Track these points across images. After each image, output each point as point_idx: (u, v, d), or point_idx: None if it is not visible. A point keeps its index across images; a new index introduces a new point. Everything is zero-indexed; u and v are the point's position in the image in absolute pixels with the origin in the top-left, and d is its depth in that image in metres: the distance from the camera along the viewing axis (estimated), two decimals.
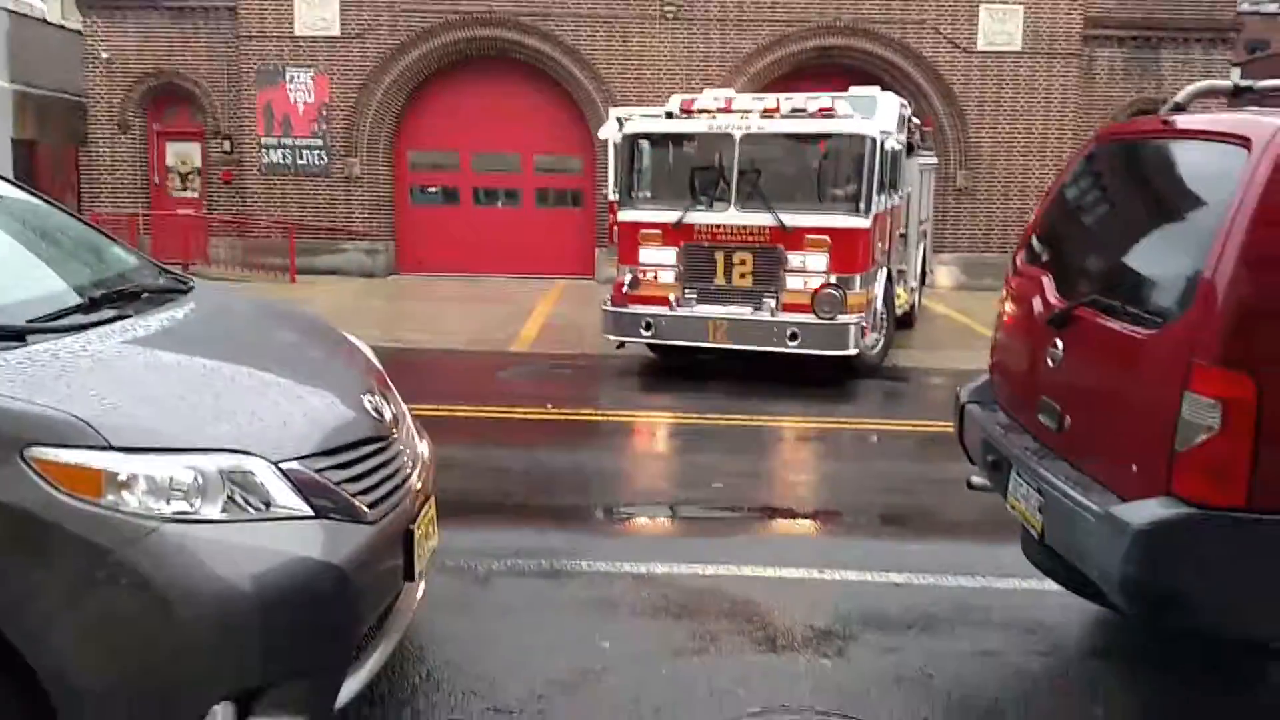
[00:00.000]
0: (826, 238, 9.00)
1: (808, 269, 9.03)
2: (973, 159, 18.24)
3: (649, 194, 9.86)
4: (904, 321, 11.98)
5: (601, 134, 10.75)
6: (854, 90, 11.15)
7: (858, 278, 9.13)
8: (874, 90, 11.14)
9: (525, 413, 8.17)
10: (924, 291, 13.80)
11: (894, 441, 7.88)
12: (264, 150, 17.99)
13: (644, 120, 10.10)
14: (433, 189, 18.73)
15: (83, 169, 19.26)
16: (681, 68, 17.64)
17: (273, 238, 17.78)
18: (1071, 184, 3.75)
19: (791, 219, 9.04)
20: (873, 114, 10.03)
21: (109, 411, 2.28)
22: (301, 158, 18.03)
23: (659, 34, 17.79)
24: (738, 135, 9.27)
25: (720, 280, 9.23)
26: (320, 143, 17.97)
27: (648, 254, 9.49)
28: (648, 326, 9.32)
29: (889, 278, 10.40)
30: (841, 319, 8.86)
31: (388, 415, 3.05)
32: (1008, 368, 3.80)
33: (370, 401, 2.99)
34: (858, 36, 17.95)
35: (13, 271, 3.11)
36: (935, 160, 13.74)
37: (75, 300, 2.89)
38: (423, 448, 3.31)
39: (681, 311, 9.24)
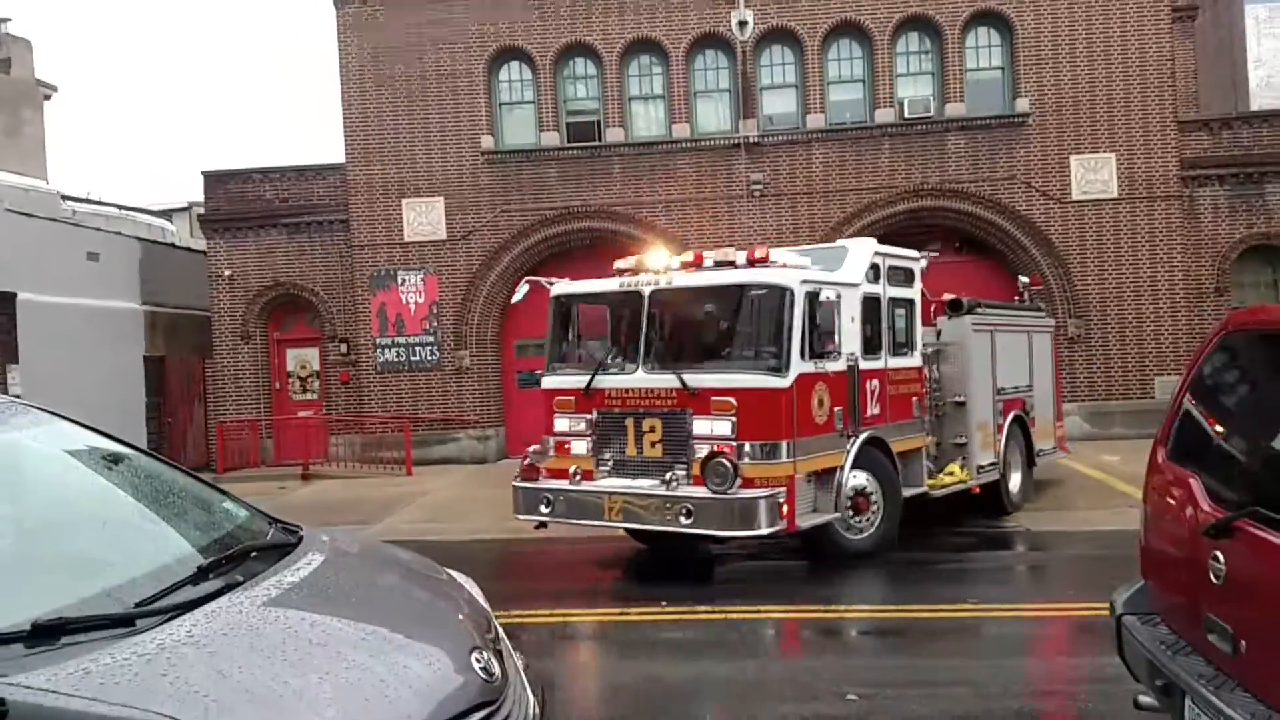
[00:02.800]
0: (733, 400, 8.24)
1: (714, 435, 8.27)
2: (1081, 307, 17.83)
3: (570, 359, 9.60)
4: (981, 502, 10.86)
5: (514, 299, 10.68)
6: (842, 242, 11.04)
7: (783, 445, 8.20)
8: (849, 241, 10.76)
9: (616, 613, 7.89)
10: (1053, 456, 12.82)
11: (1039, 628, 7.28)
12: (379, 349, 18.74)
13: (564, 283, 9.88)
14: (538, 373, 19.10)
15: (209, 379, 20.29)
16: (773, 240, 17.90)
17: (389, 432, 18.26)
18: (1210, 376, 3.48)
19: (697, 380, 8.39)
20: (838, 265, 9.48)
21: (213, 714, 2.20)
22: (414, 354, 18.72)
23: (747, 210, 18.18)
24: (646, 292, 8.89)
25: (631, 450, 8.66)
26: (432, 338, 18.66)
27: (562, 423, 9.12)
28: (547, 504, 8.86)
29: (890, 451, 9.37)
30: (744, 493, 7.95)
31: (497, 672, 2.91)
32: (1164, 576, 3.46)
33: (479, 659, 2.86)
34: (947, 197, 18.04)
35: (121, 541, 3.13)
36: (1048, 320, 13.11)
37: (184, 572, 2.86)
38: (532, 707, 3.13)
39: (578, 487, 8.71)
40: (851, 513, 8.99)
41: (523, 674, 3.27)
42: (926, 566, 9.08)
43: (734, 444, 8.13)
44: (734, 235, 18.05)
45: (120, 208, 28.34)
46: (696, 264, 9.05)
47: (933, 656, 6.55)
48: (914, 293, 10.27)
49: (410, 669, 2.66)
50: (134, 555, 3.01)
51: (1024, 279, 13.80)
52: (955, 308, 10.97)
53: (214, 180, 19.78)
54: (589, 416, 8.91)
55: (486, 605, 3.57)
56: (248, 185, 19.66)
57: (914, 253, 10.54)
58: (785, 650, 7.21)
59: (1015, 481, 11.53)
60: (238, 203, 19.57)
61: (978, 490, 10.63)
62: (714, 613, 7.63)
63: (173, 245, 24.09)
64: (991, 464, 10.92)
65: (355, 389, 19.03)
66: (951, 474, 10.41)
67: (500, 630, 3.40)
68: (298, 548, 3.30)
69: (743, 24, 17.42)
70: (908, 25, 18.13)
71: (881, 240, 18.03)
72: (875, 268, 9.71)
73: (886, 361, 9.59)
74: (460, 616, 3.19)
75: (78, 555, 2.99)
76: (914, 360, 10.11)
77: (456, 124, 18.63)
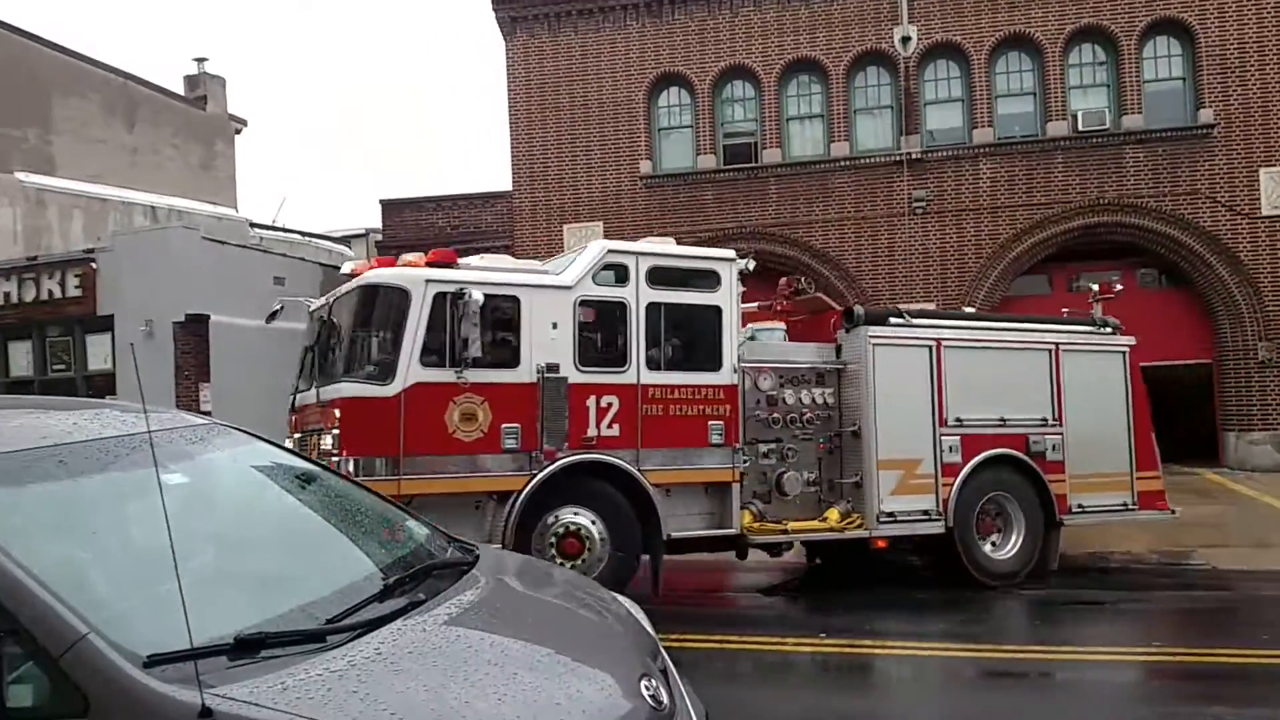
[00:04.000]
0: (337, 412, 7.61)
1: (326, 451, 7.65)
2: (1273, 329, 16.59)
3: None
4: (941, 563, 9.47)
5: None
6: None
7: (379, 461, 7.42)
8: (596, 241, 9.03)
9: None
10: (1235, 476, 11.55)
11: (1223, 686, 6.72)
12: None
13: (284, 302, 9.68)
14: None
15: None
16: (935, 258, 17.43)
17: None
18: None
19: (326, 391, 7.95)
20: (569, 266, 8.47)
21: None
22: None
23: (908, 229, 17.77)
24: (312, 307, 8.62)
25: None
26: None
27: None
28: None
29: (638, 483, 8.09)
30: None
31: (665, 700, 2.91)
32: None
33: (648, 686, 2.86)
34: (1125, 212, 17.17)
35: (312, 558, 3.29)
36: (1115, 340, 10.23)
37: (370, 589, 2.98)
38: None
39: None
40: (555, 554, 7.82)
41: (689, 702, 3.26)
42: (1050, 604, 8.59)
43: (336, 459, 7.43)
44: (894, 254, 17.69)
45: (303, 234, 30.10)
46: (354, 275, 8.38)
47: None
48: (719, 298, 8.74)
49: (583, 694, 2.69)
50: (324, 572, 3.16)
51: (1093, 286, 11.31)
52: (849, 318, 9.39)
53: (391, 208, 20.78)
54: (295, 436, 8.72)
55: (652, 630, 3.59)
56: (421, 213, 20.57)
57: (720, 251, 9.16)
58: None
59: (1009, 543, 9.48)
60: (412, 229, 20.49)
61: (882, 544, 9.16)
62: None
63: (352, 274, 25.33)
64: (923, 513, 9.18)
65: None
66: (826, 520, 8.98)
67: (667, 657, 3.40)
68: (475, 566, 3.39)
69: (906, 40, 17.10)
70: (1080, 36, 17.40)
71: (1056, 258, 16.98)
72: (618, 268, 8.50)
73: (640, 376, 8.32)
74: (628, 641, 3.21)
75: (273, 571, 3.16)
76: (718, 377, 8.64)
77: (616, 150, 18.97)
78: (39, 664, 2.31)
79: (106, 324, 16.82)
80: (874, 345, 9.19)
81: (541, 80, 19.26)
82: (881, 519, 9.00)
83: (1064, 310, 11.03)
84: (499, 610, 3.13)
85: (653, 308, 8.49)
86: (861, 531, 8.93)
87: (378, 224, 22.20)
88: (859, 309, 9.47)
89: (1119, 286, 11.09)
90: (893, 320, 9.51)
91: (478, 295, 7.64)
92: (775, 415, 9.07)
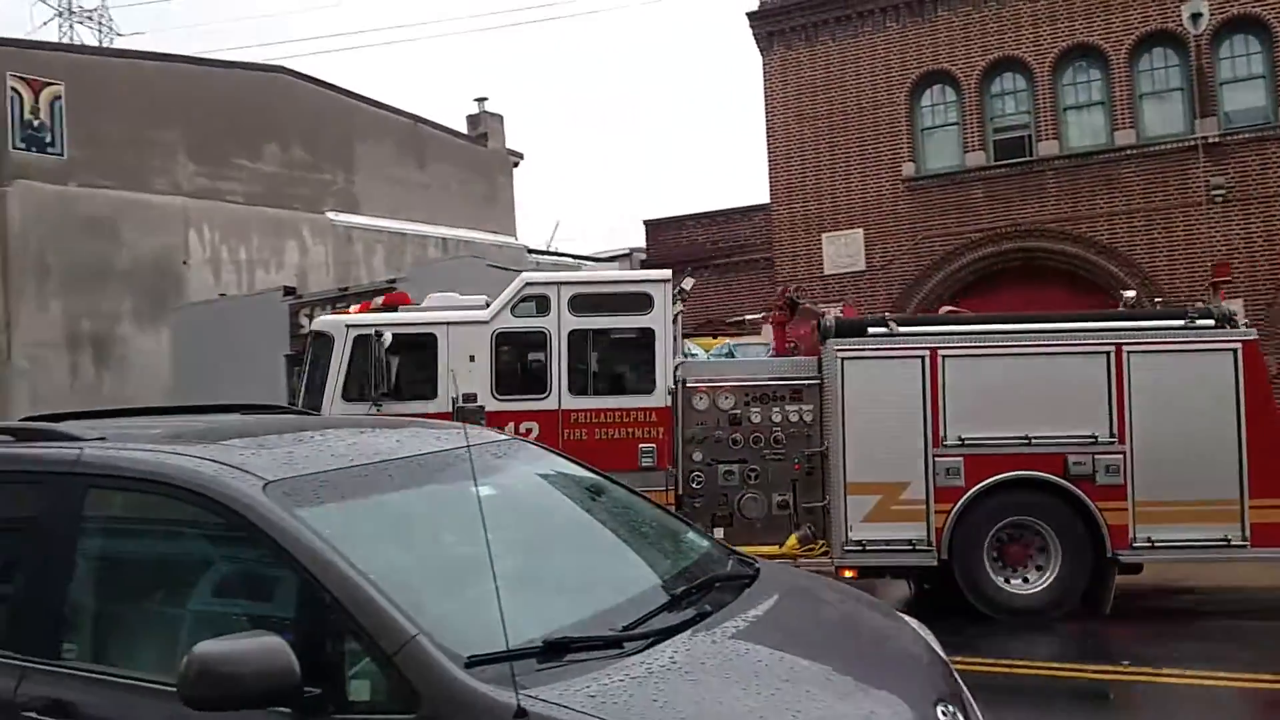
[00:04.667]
0: None
1: None
2: None
3: None
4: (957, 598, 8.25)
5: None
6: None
7: None
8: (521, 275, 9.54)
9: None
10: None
11: None
12: None
13: None
14: None
15: None
16: (1238, 251, 15.78)
17: None
18: None
19: None
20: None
21: None
22: None
23: (1206, 219, 16.19)
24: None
25: None
26: None
27: None
28: None
29: None
30: None
31: None
32: None
33: (945, 712, 2.78)
34: None
35: (605, 566, 3.44)
36: (1214, 337, 8.42)
37: (660, 599, 3.08)
38: None
39: None
40: None
41: None
42: None
43: None
44: (1190, 247, 16.17)
45: (574, 257, 31.61)
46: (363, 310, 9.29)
47: None
48: (651, 320, 8.70)
49: (876, 715, 2.65)
50: (615, 580, 3.30)
51: (1129, 294, 9.80)
52: (823, 332, 8.77)
53: (653, 227, 21.41)
54: None
55: (943, 652, 3.47)
56: (683, 230, 21.04)
57: (652, 274, 9.07)
58: None
59: (1044, 577, 8.28)
60: (673, 247, 21.01)
61: (852, 574, 8.32)
62: None
63: None
64: (907, 543, 8.27)
65: None
66: (781, 546, 8.36)
67: (961, 681, 3.28)
68: (757, 581, 3.42)
69: (1196, 17, 15.63)
70: None
71: None
72: (538, 299, 8.85)
73: (562, 402, 8.53)
74: (922, 664, 3.13)
75: (569, 579, 3.34)
76: (651, 399, 8.62)
77: (877, 154, 18.58)
78: (375, 661, 2.56)
79: None
80: (842, 359, 8.54)
81: (799, 90, 19.21)
82: (849, 548, 8.28)
83: (1152, 302, 9.19)
84: (786, 625, 3.14)
85: (576, 335, 8.75)
86: (824, 560, 8.26)
87: (643, 243, 22.94)
88: (828, 320, 8.86)
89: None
90: (872, 331, 8.76)
91: (386, 336, 8.53)
92: (738, 435, 8.73)
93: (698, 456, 8.81)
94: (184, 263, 25.12)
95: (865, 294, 18.56)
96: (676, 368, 8.91)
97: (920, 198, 18.25)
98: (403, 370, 8.96)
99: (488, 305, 9.21)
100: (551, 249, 33.09)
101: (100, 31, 36.59)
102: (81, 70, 24.34)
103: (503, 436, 4.01)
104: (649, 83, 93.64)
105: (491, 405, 8.48)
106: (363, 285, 21.90)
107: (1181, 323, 8.55)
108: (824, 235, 18.95)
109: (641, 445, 8.65)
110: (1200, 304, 8.67)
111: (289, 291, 20.34)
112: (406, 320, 9.08)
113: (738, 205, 20.77)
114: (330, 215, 28.55)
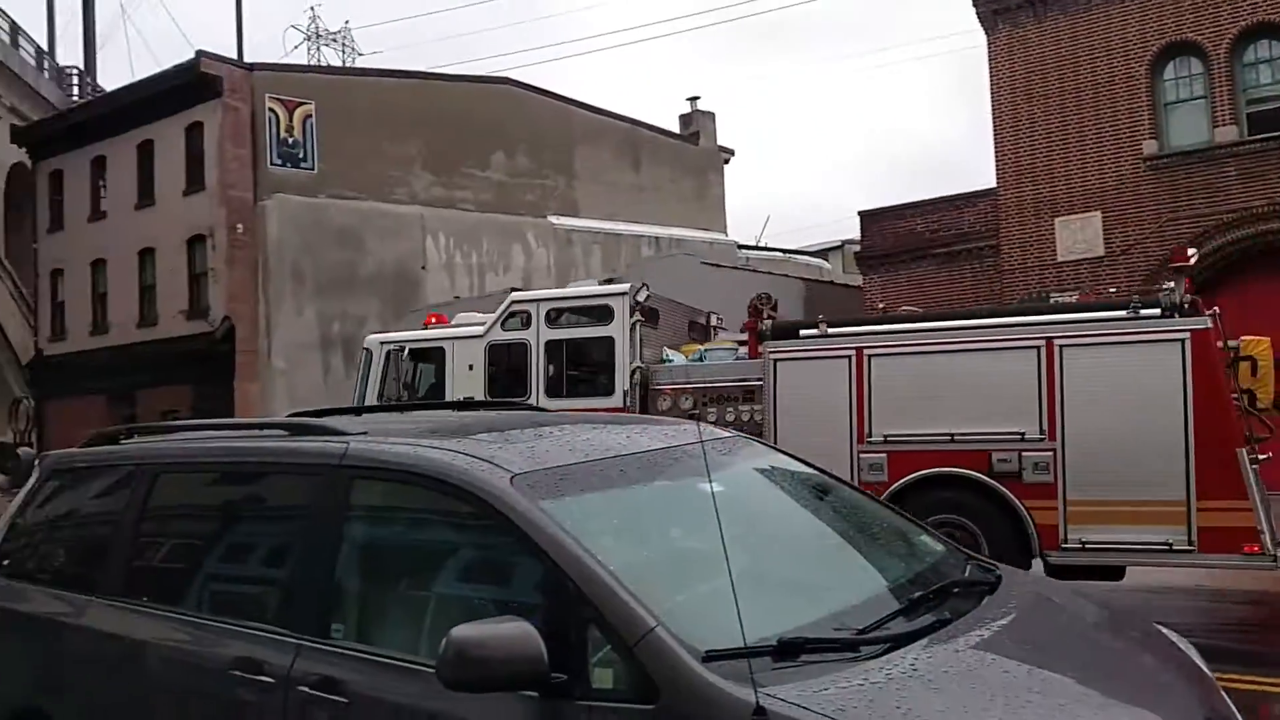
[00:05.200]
0: None
1: None
2: None
3: None
4: None
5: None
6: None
7: None
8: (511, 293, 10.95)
9: None
10: None
11: None
12: None
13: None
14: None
15: None
16: None
17: None
18: None
19: None
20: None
21: None
22: None
23: None
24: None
25: None
26: None
27: None
28: None
29: None
30: None
31: None
32: None
33: None
34: None
35: (835, 568, 3.39)
36: (1131, 326, 7.88)
37: (895, 603, 3.01)
38: None
39: None
40: None
41: None
42: None
43: None
44: None
45: (784, 252, 31.36)
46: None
47: None
48: (611, 329, 9.85)
49: None
50: (847, 582, 3.25)
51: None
52: (759, 335, 9.29)
53: (869, 218, 20.90)
54: None
55: (1207, 668, 3.21)
56: (900, 220, 20.43)
57: (611, 288, 10.25)
58: None
59: None
60: (891, 237, 20.43)
61: None
62: None
63: (830, 283, 25.95)
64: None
65: None
66: None
67: (1229, 701, 3.02)
68: (999, 588, 3.28)
69: None
70: None
71: None
72: (522, 314, 10.24)
73: (538, 403, 9.21)
74: (1186, 680, 2.90)
75: (799, 578, 3.32)
76: (611, 400, 9.59)
77: (1114, 132, 17.37)
78: (616, 651, 2.62)
79: None
80: (775, 361, 8.98)
81: (1027, 69, 18.23)
82: None
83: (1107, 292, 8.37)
84: (1034, 636, 2.99)
85: (552, 344, 10.06)
86: None
87: (853, 235, 22.46)
88: (765, 324, 9.30)
89: (1192, 252, 8.90)
90: (804, 334, 9.12)
91: (401, 352, 10.51)
92: None
93: None
94: (421, 268, 26.75)
95: (1104, 281, 17.39)
96: (633, 371, 9.75)
97: (1165, 177, 16.92)
98: (422, 378, 10.68)
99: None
100: (761, 244, 32.95)
101: (344, 52, 39.49)
102: (329, 89, 26.41)
103: (728, 434, 4.02)
104: (860, 72, 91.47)
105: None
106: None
107: (1124, 314, 8.05)
108: (1056, 220, 17.91)
109: None
110: (1163, 292, 8.10)
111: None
112: (423, 337, 10.88)
113: (960, 192, 19.93)
114: (552, 219, 29.62)
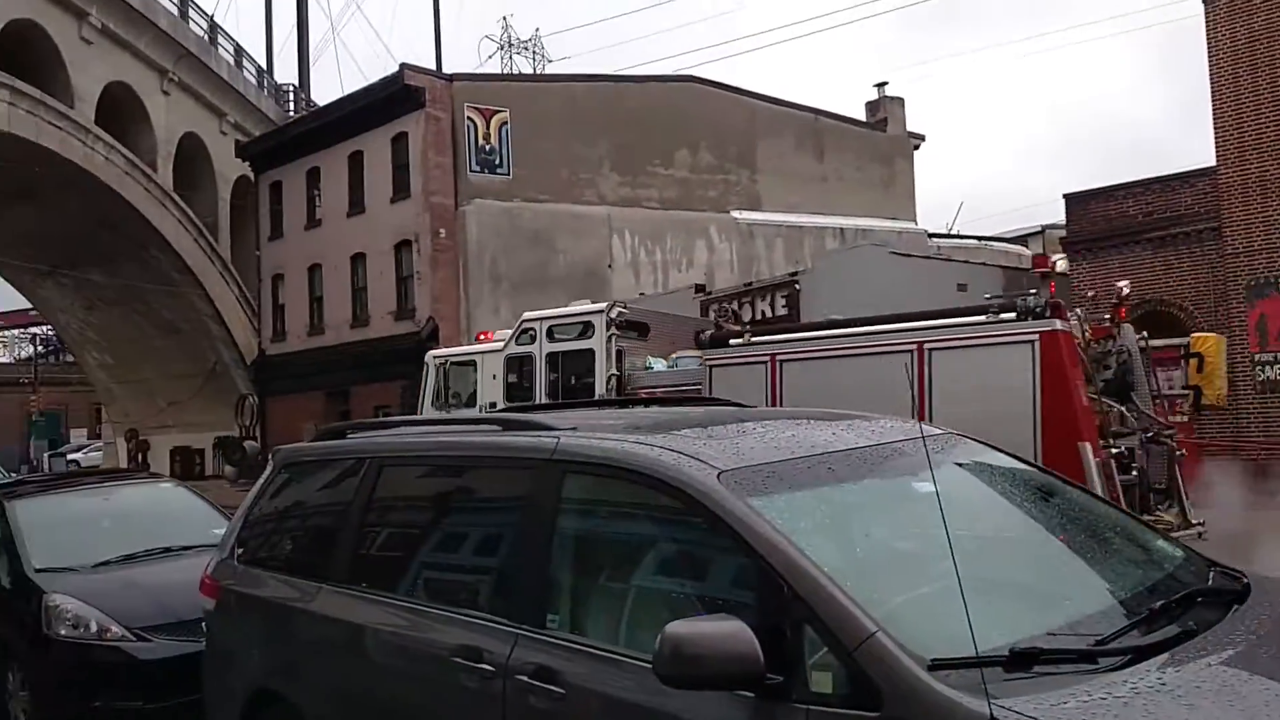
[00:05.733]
0: None
1: None
2: None
3: None
4: None
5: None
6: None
7: None
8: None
9: None
10: None
11: None
12: (1258, 367, 16.70)
13: None
14: None
15: None
16: None
17: (1274, 462, 16.09)
18: None
19: None
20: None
21: None
22: None
23: None
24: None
25: None
26: None
27: None
28: None
29: None
30: None
31: None
32: None
33: None
34: None
35: (1066, 573, 3.19)
36: (986, 330, 8.43)
37: (1133, 612, 2.80)
38: None
39: None
40: None
41: None
42: None
43: None
44: None
45: (979, 239, 30.11)
46: None
47: None
48: (593, 343, 11.65)
49: None
50: (1079, 590, 3.05)
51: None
52: (699, 344, 10.69)
53: (1075, 202, 19.77)
54: None
55: None
56: (1109, 203, 19.20)
57: (593, 306, 12.25)
58: None
59: None
60: (1100, 221, 19.24)
61: None
62: None
63: (1029, 270, 24.70)
64: None
65: (1229, 410, 17.14)
66: None
67: None
68: (1250, 597, 3.00)
69: None
70: None
71: None
72: (530, 331, 12.35)
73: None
74: None
75: (1026, 583, 3.14)
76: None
77: None
78: (835, 655, 2.55)
79: None
80: (710, 366, 10.14)
81: (1249, 37, 16.73)
82: None
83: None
84: None
85: (550, 356, 12.04)
86: None
87: (1054, 219, 21.26)
88: (705, 333, 10.54)
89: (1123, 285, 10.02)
90: (733, 342, 10.14)
91: (448, 364, 13.30)
92: None
93: None
94: (609, 266, 27.27)
95: None
96: (609, 378, 11.37)
97: None
98: (463, 386, 13.20)
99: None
100: (953, 232, 31.76)
101: (534, 59, 40.73)
102: (522, 96, 27.30)
103: (940, 430, 3.85)
104: (1050, 51, 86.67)
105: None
106: (764, 280, 22.42)
107: (983, 318, 8.54)
108: None
109: None
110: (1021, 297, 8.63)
111: (699, 289, 21.33)
112: (461, 352, 13.85)
113: (1175, 172, 18.54)
114: (734, 214, 29.55)
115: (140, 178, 29.57)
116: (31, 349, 54.23)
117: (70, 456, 40.16)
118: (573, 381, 11.88)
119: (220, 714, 4.65)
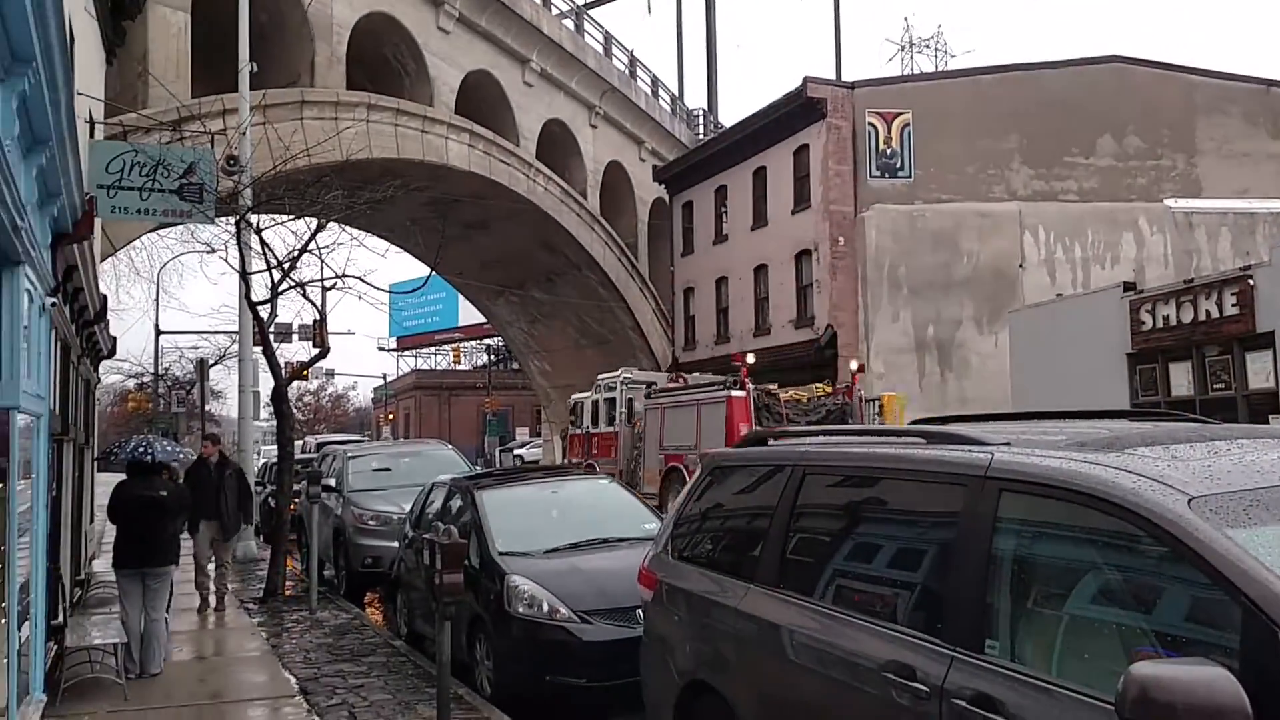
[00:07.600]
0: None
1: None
2: None
3: None
4: None
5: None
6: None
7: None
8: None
9: None
10: None
11: None
12: None
13: None
14: None
15: None
16: None
17: None
18: None
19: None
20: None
21: None
22: None
23: None
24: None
25: None
26: None
27: None
28: None
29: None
30: None
31: None
32: None
33: None
34: None
35: None
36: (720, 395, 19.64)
37: None
38: None
39: None
40: None
41: None
42: None
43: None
44: None
45: None
46: None
47: None
48: (613, 394, 22.90)
49: None
50: None
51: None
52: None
53: None
54: None
55: None
56: None
57: (624, 374, 23.38)
58: None
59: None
60: None
61: None
62: None
63: None
64: None
65: None
66: None
67: None
68: None
69: None
70: None
71: None
72: (613, 385, 22.98)
73: (595, 428, 23.38)
74: None
75: None
76: (614, 428, 22.38)
77: None
78: None
79: (1267, 341, 16.16)
80: (645, 408, 21.22)
81: None
82: None
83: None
84: None
85: (608, 399, 22.99)
86: None
87: None
88: (652, 386, 22.07)
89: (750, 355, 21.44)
90: (659, 387, 21.79)
91: (596, 397, 23.74)
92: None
93: (634, 453, 21.28)
94: (1019, 266, 25.73)
95: None
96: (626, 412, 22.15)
97: None
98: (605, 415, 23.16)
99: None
100: None
101: (936, 57, 39.51)
102: (924, 95, 26.62)
103: None
104: None
105: (594, 430, 23.36)
106: (1207, 276, 19.87)
107: (720, 387, 19.13)
108: None
109: (613, 447, 22.20)
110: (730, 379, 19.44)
111: (1129, 287, 19.39)
112: (604, 385, 23.52)
113: None
114: (1169, 202, 26.60)
115: (573, 205, 32.58)
116: (485, 358, 61.97)
117: (516, 452, 45.18)
118: (605, 410, 23.31)
119: (659, 698, 4.98)
